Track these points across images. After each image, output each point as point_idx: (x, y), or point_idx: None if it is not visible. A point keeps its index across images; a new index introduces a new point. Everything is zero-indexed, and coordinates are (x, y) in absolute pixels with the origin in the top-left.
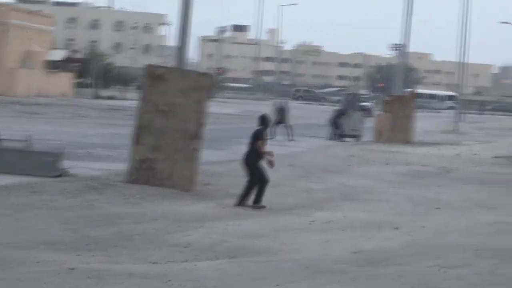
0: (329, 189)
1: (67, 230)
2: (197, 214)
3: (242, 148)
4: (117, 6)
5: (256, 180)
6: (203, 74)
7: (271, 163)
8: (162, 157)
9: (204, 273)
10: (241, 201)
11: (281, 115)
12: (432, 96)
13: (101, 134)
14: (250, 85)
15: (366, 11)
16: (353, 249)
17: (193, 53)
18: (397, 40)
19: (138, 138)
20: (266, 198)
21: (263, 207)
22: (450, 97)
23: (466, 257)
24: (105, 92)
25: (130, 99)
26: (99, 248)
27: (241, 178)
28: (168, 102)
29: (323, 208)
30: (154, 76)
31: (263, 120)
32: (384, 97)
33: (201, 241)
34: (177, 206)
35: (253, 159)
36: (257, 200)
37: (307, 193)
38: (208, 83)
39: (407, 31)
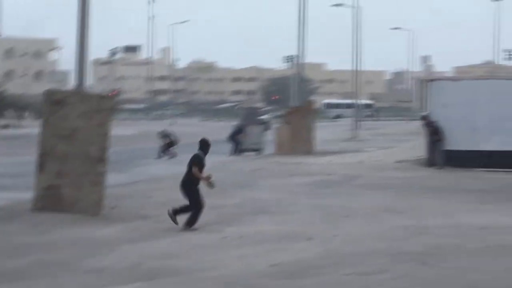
0: (239, 204)
1: None
2: (109, 238)
3: (145, 170)
4: (5, 33)
5: (193, 204)
6: (104, 97)
7: (211, 185)
8: (67, 183)
9: None
10: (175, 214)
11: (169, 139)
12: (349, 106)
13: (0, 163)
14: (145, 106)
15: (258, 25)
16: (270, 262)
17: (79, 77)
18: (291, 52)
19: (42, 165)
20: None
21: (195, 229)
22: (367, 105)
23: (383, 263)
24: None
25: (26, 127)
26: (17, 279)
27: (147, 199)
28: (69, 127)
29: (234, 223)
30: (54, 101)
31: (202, 145)
32: (281, 110)
33: (117, 265)
34: (87, 231)
35: (190, 184)
36: (191, 222)
37: (217, 209)
38: (109, 105)
39: (300, 42)
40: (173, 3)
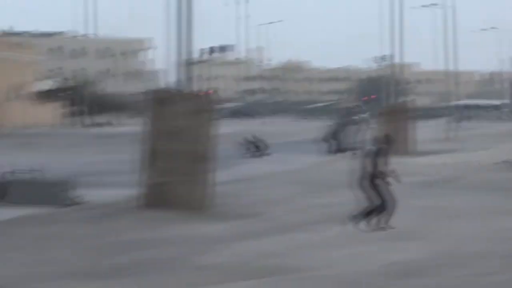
0: (341, 203)
1: (90, 259)
2: (217, 235)
3: (244, 168)
4: (101, 33)
5: (379, 200)
6: (208, 96)
7: (397, 178)
8: (174, 180)
9: None
10: (359, 220)
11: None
12: (478, 107)
13: (102, 161)
14: (237, 105)
15: (351, 25)
16: (384, 261)
17: (179, 76)
18: (382, 52)
19: (148, 162)
20: (280, 215)
21: (391, 227)
22: (495, 107)
23: (498, 264)
24: (95, 120)
25: (121, 126)
26: (128, 276)
27: (251, 197)
28: (175, 125)
29: (339, 222)
30: (159, 100)
31: (388, 140)
32: (375, 109)
33: (228, 262)
34: (195, 229)
35: (374, 178)
36: (382, 220)
37: (320, 208)
38: (214, 104)
39: (394, 43)
40: (264, 3)
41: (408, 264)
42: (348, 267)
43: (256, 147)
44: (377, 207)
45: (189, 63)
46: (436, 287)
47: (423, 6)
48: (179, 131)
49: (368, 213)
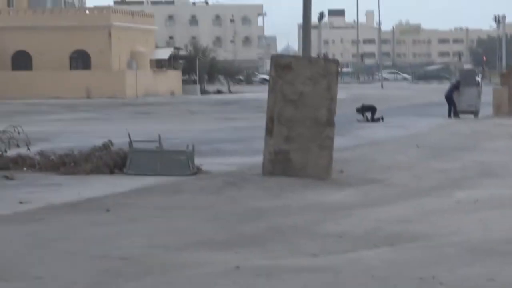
0: (463, 168)
1: (218, 228)
2: (341, 202)
3: (364, 133)
4: (213, 0)
5: None
6: (329, 61)
7: None
8: (296, 147)
9: (371, 262)
10: None
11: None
12: None
13: (220, 129)
14: (352, 69)
15: None
16: None
17: (292, 41)
18: (500, 11)
19: (270, 130)
20: (404, 181)
21: None
22: None
23: None
24: (211, 87)
25: (237, 92)
26: (255, 244)
27: (372, 163)
28: (297, 91)
29: (463, 187)
30: (281, 66)
31: None
32: (489, 71)
33: (355, 230)
34: (318, 196)
35: None
36: None
37: (442, 173)
38: (334, 70)
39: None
40: None
41: None
42: (476, 233)
43: (372, 113)
44: None
45: (306, 29)
46: None
47: None
48: (301, 96)
49: None
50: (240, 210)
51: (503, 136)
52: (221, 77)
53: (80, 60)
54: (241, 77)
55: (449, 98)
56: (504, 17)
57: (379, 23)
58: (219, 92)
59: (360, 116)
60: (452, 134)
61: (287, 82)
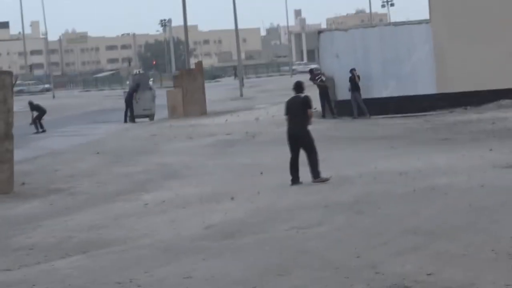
0: (147, 171)
1: None
2: (28, 214)
3: (41, 144)
4: None
5: (314, 151)
6: (3, 73)
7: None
8: None
9: (65, 272)
10: (317, 175)
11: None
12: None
13: None
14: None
15: None
16: (203, 224)
17: None
18: (166, 16)
19: None
20: (89, 188)
21: (327, 179)
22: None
23: (318, 215)
24: None
25: None
26: None
27: (54, 173)
28: None
29: (149, 190)
30: None
31: (300, 87)
32: (161, 74)
33: (46, 241)
34: (3, 210)
35: (306, 129)
36: (318, 173)
37: (126, 177)
38: (9, 81)
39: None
40: None
41: (229, 224)
42: (167, 233)
43: (41, 113)
44: None
45: None
46: (263, 244)
47: None
48: None
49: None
50: None
51: (181, 137)
52: None
53: None
54: None
55: (129, 101)
56: (170, 20)
57: (46, 33)
58: None
59: (35, 127)
60: (131, 138)
61: None
